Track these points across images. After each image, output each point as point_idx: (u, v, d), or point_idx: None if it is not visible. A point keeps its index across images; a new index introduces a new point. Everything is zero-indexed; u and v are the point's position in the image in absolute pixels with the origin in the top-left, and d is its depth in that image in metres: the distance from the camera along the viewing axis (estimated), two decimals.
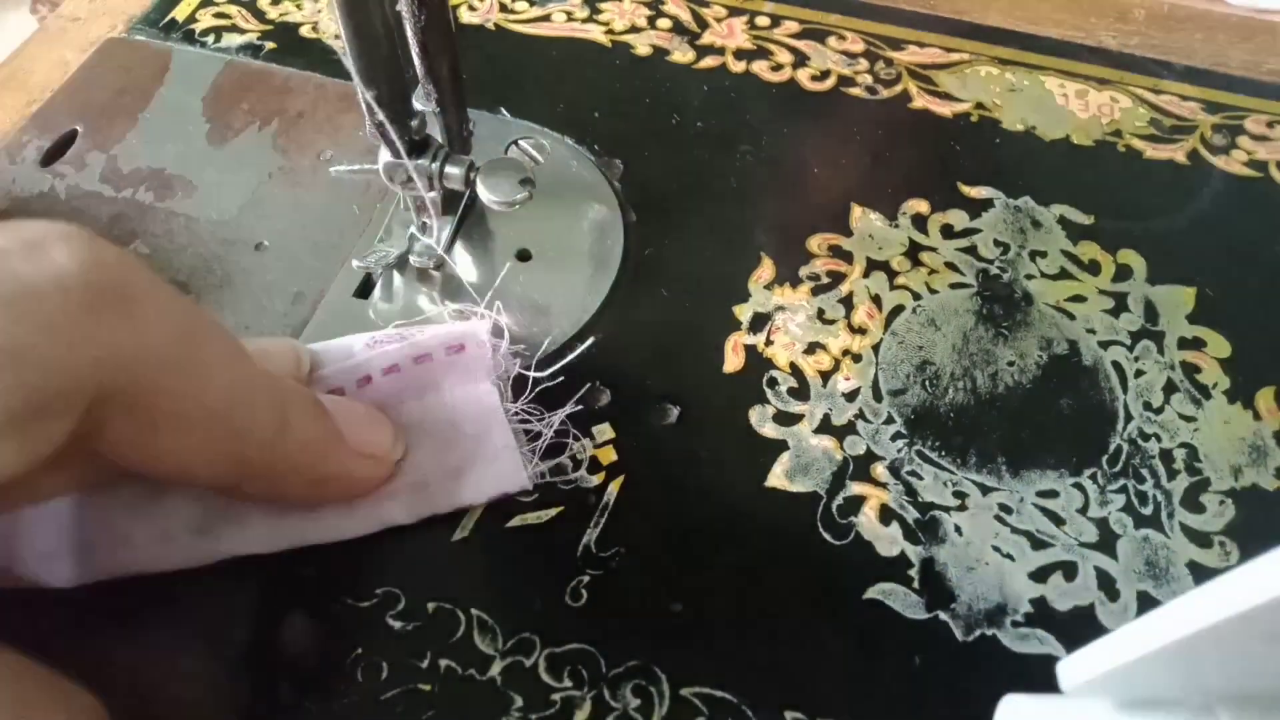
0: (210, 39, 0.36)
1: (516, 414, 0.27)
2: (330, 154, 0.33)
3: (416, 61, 0.28)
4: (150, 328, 0.18)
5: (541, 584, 0.25)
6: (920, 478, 0.27)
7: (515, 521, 0.26)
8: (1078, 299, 0.31)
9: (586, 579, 0.25)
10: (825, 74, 0.36)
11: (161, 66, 0.35)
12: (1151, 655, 0.17)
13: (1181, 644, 0.16)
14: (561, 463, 0.27)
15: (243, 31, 0.37)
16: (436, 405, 0.26)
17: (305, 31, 0.37)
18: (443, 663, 0.23)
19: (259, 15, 0.37)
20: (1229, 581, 0.15)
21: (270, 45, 0.36)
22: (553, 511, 0.26)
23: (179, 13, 0.37)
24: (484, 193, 0.28)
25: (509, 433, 0.26)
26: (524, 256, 0.31)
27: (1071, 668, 0.20)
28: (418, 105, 0.29)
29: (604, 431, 0.28)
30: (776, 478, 0.27)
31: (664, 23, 0.38)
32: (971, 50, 0.37)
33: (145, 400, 0.18)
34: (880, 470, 0.27)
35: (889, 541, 0.26)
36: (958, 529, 0.26)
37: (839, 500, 0.26)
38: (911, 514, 0.26)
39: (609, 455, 0.27)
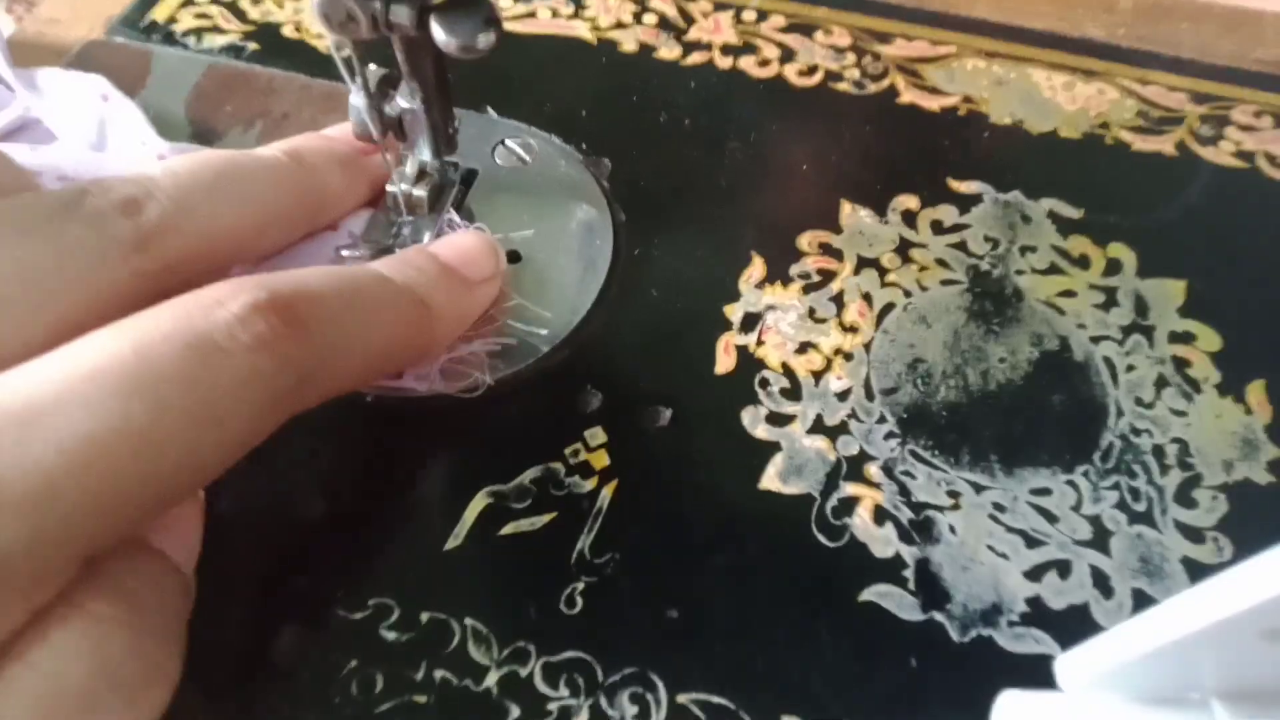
0: (191, 40, 0.36)
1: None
2: None
3: (400, 59, 0.27)
4: (318, 341, 0.21)
5: (536, 592, 0.25)
6: (914, 477, 0.27)
7: (508, 529, 0.26)
8: (1068, 294, 0.31)
9: (581, 586, 0.25)
10: (813, 69, 0.36)
11: (142, 69, 0.34)
12: (1150, 653, 0.17)
13: (1180, 642, 0.16)
14: (555, 470, 0.27)
15: (224, 32, 0.36)
16: None
17: (288, 31, 0.36)
18: (438, 674, 0.23)
19: (240, 15, 0.37)
20: (1228, 579, 0.15)
21: (253, 46, 0.36)
22: (546, 518, 0.26)
23: (159, 13, 0.37)
24: (440, 35, 0.24)
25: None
26: (513, 258, 0.31)
27: (1069, 664, 0.20)
28: (402, 103, 0.29)
29: (596, 436, 0.27)
30: (770, 479, 0.27)
31: (650, 18, 0.37)
32: (958, 42, 0.37)
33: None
34: (873, 470, 0.27)
35: (883, 542, 0.26)
36: (952, 528, 0.26)
37: (833, 501, 0.26)
38: (905, 514, 0.26)
39: (602, 460, 0.27)
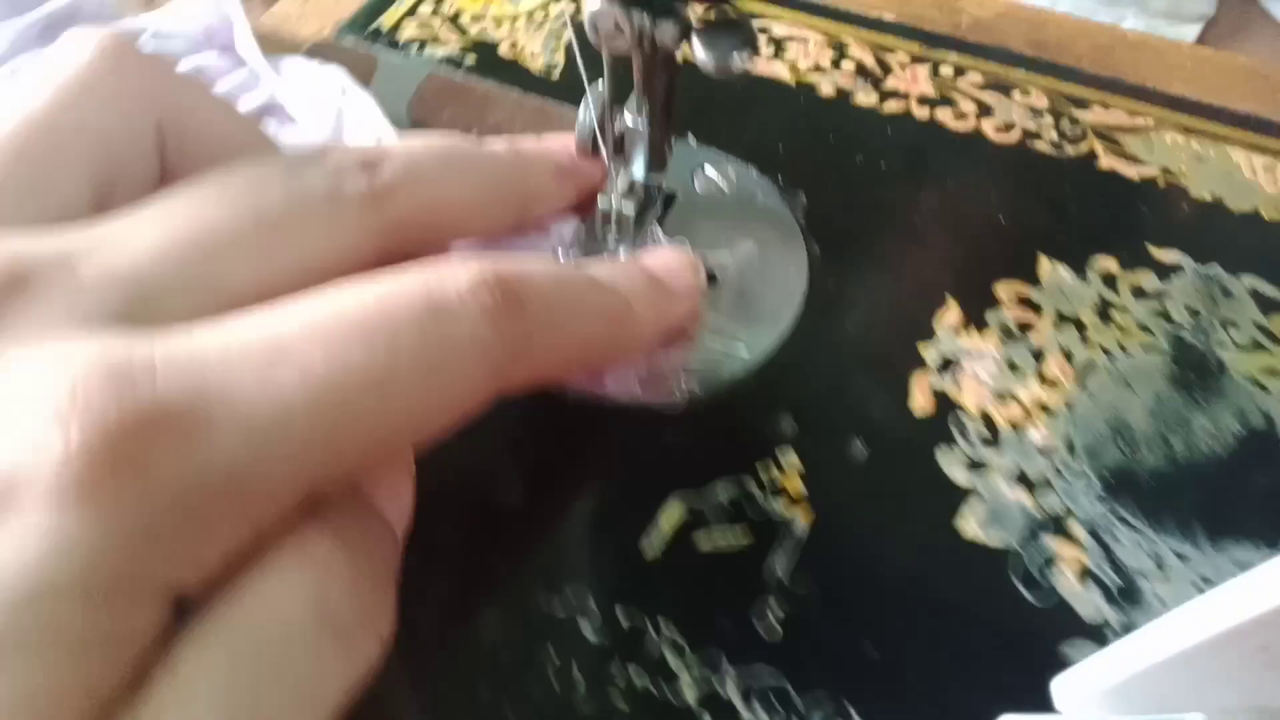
0: (413, 49, 0.38)
1: None
2: None
3: (636, 76, 0.28)
4: (533, 321, 0.21)
5: (732, 610, 0.25)
6: (1118, 540, 0.26)
7: (705, 544, 0.26)
8: (1273, 373, 0.30)
9: (777, 610, 0.25)
10: (1010, 126, 0.36)
11: (368, 71, 0.36)
12: (1148, 670, 0.17)
13: (1179, 658, 0.16)
14: (750, 489, 0.27)
15: (444, 44, 0.38)
16: None
17: (504, 50, 0.38)
18: (633, 678, 0.23)
19: (460, 30, 0.39)
20: (1227, 593, 0.15)
21: (470, 60, 0.37)
22: (741, 537, 0.26)
23: (385, 21, 0.39)
24: (700, 54, 0.25)
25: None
26: (710, 279, 0.31)
27: (1066, 685, 0.20)
28: (628, 120, 0.30)
29: (792, 461, 0.27)
30: (969, 526, 0.26)
31: (848, 65, 0.38)
32: (1156, 115, 0.37)
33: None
34: (1076, 528, 0.26)
35: (1086, 603, 0.25)
36: (1158, 597, 0.25)
37: (1034, 555, 0.26)
38: (1110, 577, 0.25)
39: (798, 486, 0.27)
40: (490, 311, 0.20)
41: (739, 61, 0.24)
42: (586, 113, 0.30)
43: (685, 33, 0.25)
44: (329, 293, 0.19)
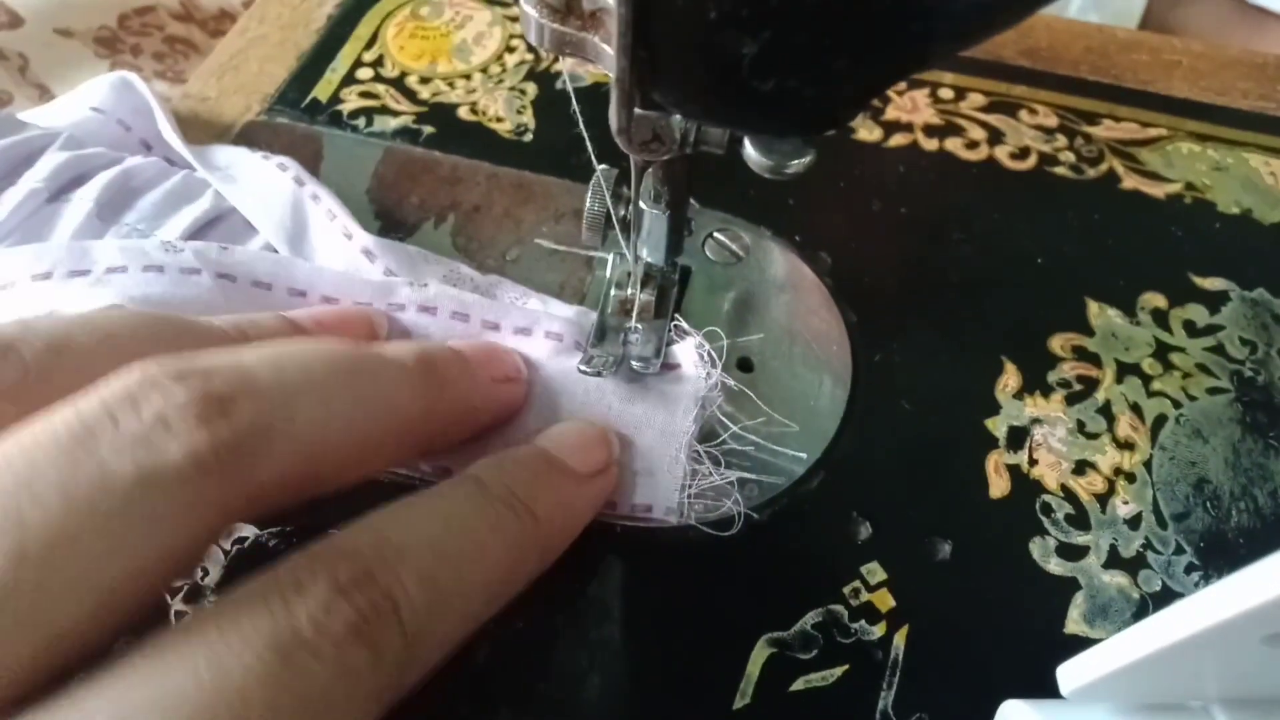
0: (360, 121, 0.33)
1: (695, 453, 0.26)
2: (516, 254, 0.30)
3: (655, 167, 0.25)
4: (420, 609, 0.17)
5: None
6: None
7: (799, 684, 0.23)
8: None
9: None
10: (1025, 151, 0.34)
11: (313, 153, 0.32)
12: (1150, 658, 0.17)
13: (1179, 647, 0.16)
14: (835, 610, 0.24)
15: (395, 114, 0.33)
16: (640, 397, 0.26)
17: (464, 114, 0.34)
18: None
19: (410, 95, 0.34)
20: (1226, 586, 0.15)
21: (428, 129, 0.33)
22: (838, 671, 0.23)
23: (320, 92, 0.34)
24: (753, 155, 0.21)
25: (683, 457, 0.25)
26: (745, 366, 0.28)
27: (1071, 672, 0.19)
28: (644, 206, 0.26)
29: (874, 572, 0.25)
30: (1075, 623, 0.24)
31: None
32: (1167, 125, 0.35)
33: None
34: None
35: None
36: None
37: None
38: None
39: (886, 600, 0.24)
40: (359, 628, 0.16)
41: (796, 167, 0.21)
42: (594, 199, 0.26)
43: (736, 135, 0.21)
44: (135, 672, 0.14)
